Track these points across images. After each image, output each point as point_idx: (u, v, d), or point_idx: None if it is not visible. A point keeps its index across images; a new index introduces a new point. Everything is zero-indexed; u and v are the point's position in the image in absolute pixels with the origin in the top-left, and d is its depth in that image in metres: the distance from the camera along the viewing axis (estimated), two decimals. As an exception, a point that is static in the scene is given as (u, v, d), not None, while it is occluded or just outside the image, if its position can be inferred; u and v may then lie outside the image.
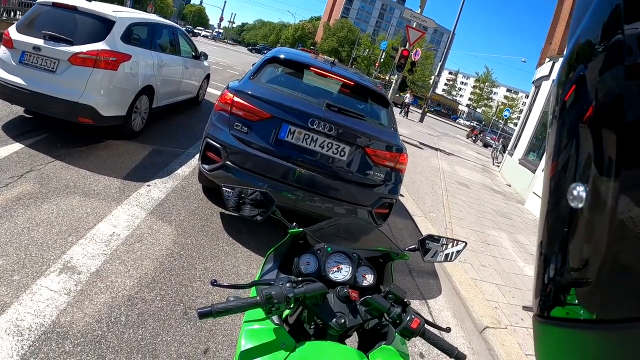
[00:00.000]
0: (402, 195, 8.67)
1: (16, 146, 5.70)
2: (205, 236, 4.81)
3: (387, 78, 42.54)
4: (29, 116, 6.98)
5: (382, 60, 52.25)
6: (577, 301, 0.78)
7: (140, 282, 3.75)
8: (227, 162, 4.81)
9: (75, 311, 3.22)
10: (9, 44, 6.16)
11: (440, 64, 45.49)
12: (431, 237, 2.11)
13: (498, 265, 6.60)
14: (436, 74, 44.04)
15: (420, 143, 19.43)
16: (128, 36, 6.82)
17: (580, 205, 0.73)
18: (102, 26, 6.44)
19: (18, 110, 7.02)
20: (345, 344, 1.67)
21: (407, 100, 37.62)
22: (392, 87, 20.33)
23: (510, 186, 16.14)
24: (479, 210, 10.11)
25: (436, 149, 19.55)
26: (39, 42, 6.01)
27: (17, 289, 3.26)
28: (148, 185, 5.65)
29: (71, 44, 6.08)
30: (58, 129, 6.67)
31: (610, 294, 0.69)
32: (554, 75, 16.04)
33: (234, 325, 3.56)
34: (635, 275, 0.63)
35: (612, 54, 0.71)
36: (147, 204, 5.15)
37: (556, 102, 0.86)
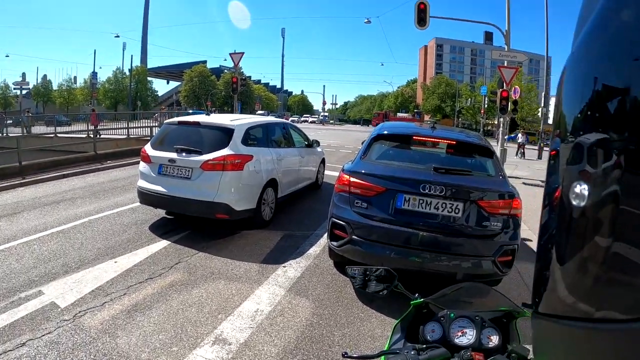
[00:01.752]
0: (530, 240, 8.29)
1: (163, 243, 6.47)
2: (341, 306, 4.98)
3: (496, 122, 41.24)
4: (170, 217, 7.86)
5: (485, 106, 51.16)
6: (576, 299, 0.79)
7: (284, 350, 3.97)
8: (354, 237, 5.07)
9: (229, 377, 3.49)
10: (147, 159, 7.23)
11: (543, 92, 43.56)
12: None
13: None
14: (542, 104, 42.04)
15: (542, 181, 18.32)
16: (247, 139, 7.58)
17: (582, 204, 0.75)
18: (224, 135, 7.28)
19: (160, 213, 7.94)
20: None
21: (520, 141, 35.63)
22: (500, 131, 19.62)
23: None
24: None
25: None
26: (173, 155, 6.98)
27: (177, 358, 3.64)
28: (284, 267, 6.01)
29: (200, 153, 6.95)
30: (198, 226, 7.40)
31: (610, 293, 0.71)
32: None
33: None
34: (635, 275, 0.66)
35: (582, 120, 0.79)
36: (285, 283, 5.48)
37: (558, 104, 0.91)
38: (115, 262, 5.56)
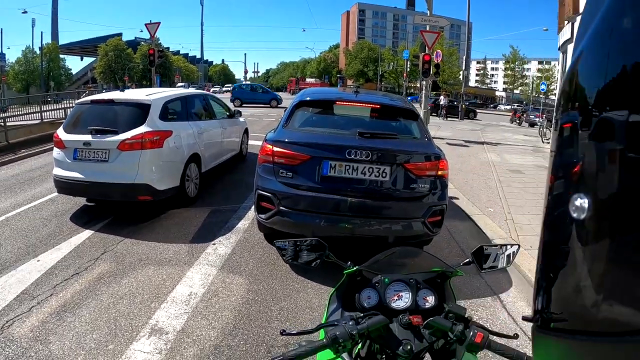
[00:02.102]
0: (457, 198, 8.66)
1: (87, 233, 6.19)
2: (275, 279, 5.02)
3: (419, 85, 42.31)
4: (91, 204, 7.52)
5: (408, 69, 52.37)
6: (576, 313, 0.78)
7: (223, 332, 3.97)
8: (281, 208, 5.05)
9: (170, 367, 3.46)
10: (61, 144, 6.79)
11: (464, 57, 45.09)
12: (483, 248, 2.12)
13: None
14: (463, 67, 43.59)
15: (465, 141, 19.10)
16: (165, 114, 7.32)
17: (582, 217, 0.72)
18: (140, 111, 6.97)
19: (81, 201, 7.57)
20: None
21: (442, 102, 37.04)
22: (423, 94, 20.21)
23: None
24: (538, 193, 9.86)
25: (482, 143, 19.17)
26: (88, 137, 6.57)
27: (114, 357, 3.54)
28: (214, 244, 5.95)
29: (116, 133, 6.60)
30: (121, 211, 7.14)
31: (610, 307, 0.70)
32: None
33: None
34: (636, 289, 0.64)
35: (606, 94, 0.72)
36: (217, 261, 5.43)
37: (557, 122, 0.87)
38: (38, 260, 5.26)
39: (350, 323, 1.61)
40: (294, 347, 1.52)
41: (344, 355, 1.66)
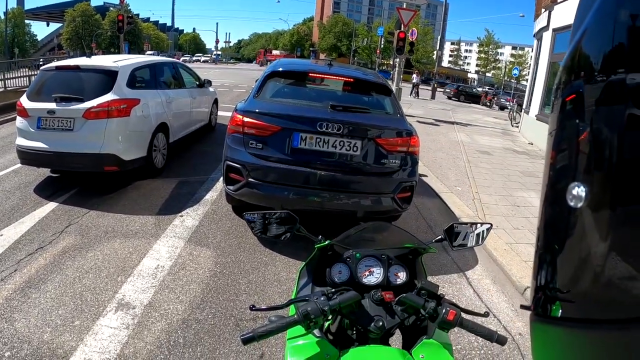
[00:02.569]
0: (426, 175, 8.76)
1: (51, 205, 6.03)
2: (244, 252, 5.03)
3: (391, 62, 42.32)
4: (56, 175, 7.32)
5: (382, 46, 52.23)
6: (574, 301, 0.77)
7: (191, 305, 3.97)
8: (250, 180, 5.02)
9: (137, 342, 3.46)
10: (24, 113, 6.53)
11: (439, 37, 45.17)
12: (455, 225, 2.13)
13: (531, 226, 6.63)
14: (437, 47, 43.71)
15: (436, 120, 19.34)
16: (133, 81, 7.12)
17: (579, 205, 0.71)
18: (107, 78, 6.75)
19: (45, 172, 7.37)
20: (389, 343, 1.75)
21: (415, 81, 37.24)
22: (396, 71, 20.22)
23: (532, 144, 15.91)
24: (505, 174, 10.11)
25: (452, 123, 19.42)
26: (52, 105, 6.34)
27: (80, 333, 3.52)
28: (181, 216, 5.91)
29: (82, 101, 6.39)
30: (87, 182, 6.99)
31: (608, 294, 0.69)
32: (552, 25, 15.54)
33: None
34: (632, 276, 0.64)
35: (614, 60, 0.70)
36: (184, 233, 5.40)
37: (557, 101, 0.85)
38: (1, 235, 5.10)
39: (322, 299, 1.61)
40: (263, 324, 1.51)
41: (315, 331, 1.66)
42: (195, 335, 3.58)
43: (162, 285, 4.28)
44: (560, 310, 0.80)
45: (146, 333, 3.57)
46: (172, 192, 6.81)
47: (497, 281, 5.07)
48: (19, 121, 6.64)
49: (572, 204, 0.72)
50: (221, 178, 6.16)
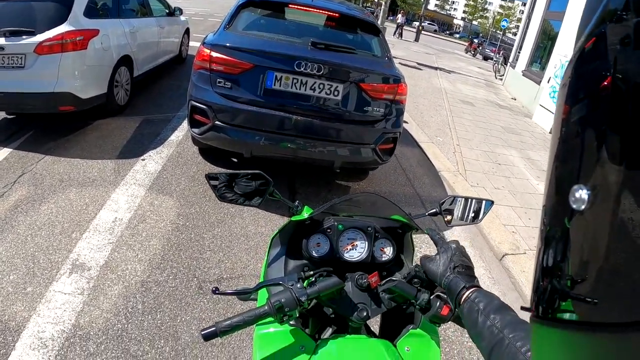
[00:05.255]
0: (406, 122, 8.48)
1: (4, 152, 5.56)
2: (209, 201, 4.78)
3: (377, 1, 41.23)
4: (11, 117, 6.75)
5: None
6: (576, 303, 0.69)
7: (150, 265, 3.76)
8: (217, 122, 4.65)
9: (92, 309, 3.26)
10: None
11: None
12: (452, 199, 1.89)
13: (512, 186, 6.55)
14: None
15: (418, 64, 18.98)
16: (91, 10, 6.42)
17: (582, 207, 0.64)
18: (61, 6, 6.04)
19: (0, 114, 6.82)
20: (369, 326, 1.61)
21: (399, 21, 36.50)
22: (381, 9, 19.61)
23: (515, 100, 15.67)
24: (487, 128, 9.96)
25: (435, 68, 19.06)
26: (1, 40, 5.73)
27: (32, 301, 3.28)
28: (143, 160, 5.59)
29: (33, 33, 5.76)
30: (43, 123, 6.50)
31: (610, 297, 0.62)
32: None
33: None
34: (636, 278, 0.57)
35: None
36: (145, 180, 5.11)
37: (560, 100, 0.72)
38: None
39: (298, 285, 1.39)
40: (227, 317, 1.27)
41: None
42: (155, 300, 3.39)
43: (119, 241, 4.03)
44: (561, 312, 0.71)
45: (102, 299, 3.36)
46: (135, 133, 6.42)
47: (475, 245, 4.97)
48: None
49: (574, 206, 0.62)
50: (187, 118, 5.82)
